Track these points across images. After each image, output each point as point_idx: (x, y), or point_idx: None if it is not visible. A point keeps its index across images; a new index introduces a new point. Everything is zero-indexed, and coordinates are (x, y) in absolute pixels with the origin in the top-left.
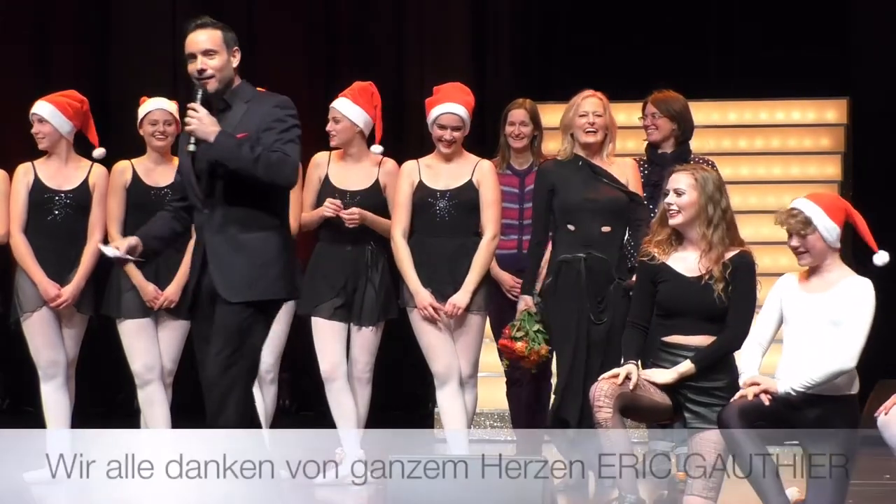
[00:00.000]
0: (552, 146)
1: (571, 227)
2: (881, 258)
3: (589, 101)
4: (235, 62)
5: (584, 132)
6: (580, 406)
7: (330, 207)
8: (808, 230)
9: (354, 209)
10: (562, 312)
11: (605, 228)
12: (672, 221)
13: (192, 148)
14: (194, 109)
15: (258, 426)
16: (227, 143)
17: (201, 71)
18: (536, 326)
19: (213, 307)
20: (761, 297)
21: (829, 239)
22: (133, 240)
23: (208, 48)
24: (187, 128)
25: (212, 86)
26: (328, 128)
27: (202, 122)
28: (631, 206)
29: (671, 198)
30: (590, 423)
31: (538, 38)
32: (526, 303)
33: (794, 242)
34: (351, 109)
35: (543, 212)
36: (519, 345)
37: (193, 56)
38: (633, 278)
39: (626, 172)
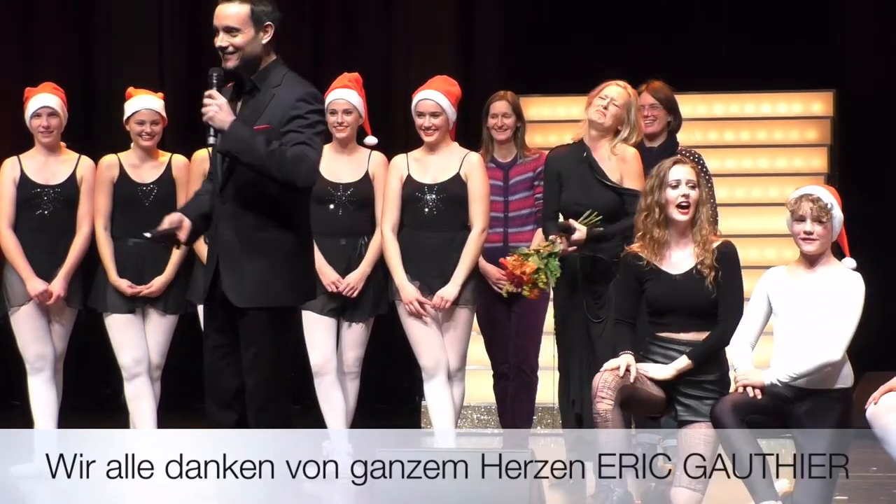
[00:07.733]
0: (537, 139)
1: None
2: (849, 263)
3: (612, 88)
4: (266, 39)
5: (596, 110)
6: (581, 401)
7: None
8: (827, 218)
9: (350, 284)
10: (562, 310)
11: (599, 228)
12: (683, 218)
13: (212, 140)
14: (211, 97)
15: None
16: (239, 134)
17: (222, 48)
18: (557, 263)
19: (225, 308)
20: (747, 290)
21: (837, 231)
22: (175, 217)
23: (230, 25)
24: (204, 117)
25: (231, 63)
26: (337, 120)
27: (222, 109)
28: (625, 200)
29: (684, 189)
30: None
31: (524, 31)
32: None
33: (810, 227)
34: (359, 101)
35: (552, 196)
36: (531, 261)
37: (217, 30)
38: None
39: (623, 166)
